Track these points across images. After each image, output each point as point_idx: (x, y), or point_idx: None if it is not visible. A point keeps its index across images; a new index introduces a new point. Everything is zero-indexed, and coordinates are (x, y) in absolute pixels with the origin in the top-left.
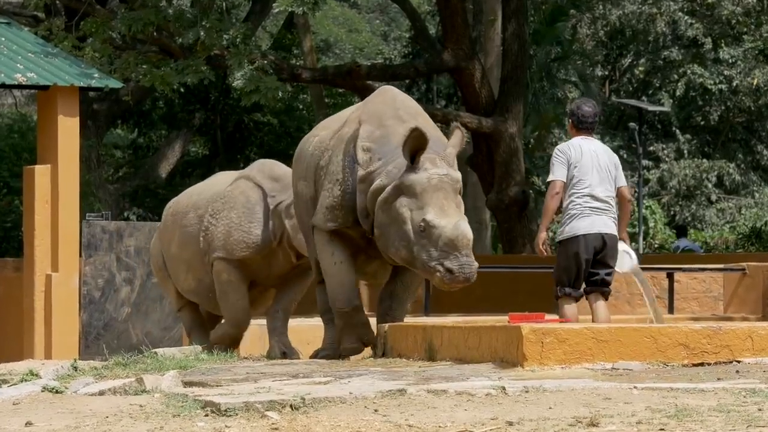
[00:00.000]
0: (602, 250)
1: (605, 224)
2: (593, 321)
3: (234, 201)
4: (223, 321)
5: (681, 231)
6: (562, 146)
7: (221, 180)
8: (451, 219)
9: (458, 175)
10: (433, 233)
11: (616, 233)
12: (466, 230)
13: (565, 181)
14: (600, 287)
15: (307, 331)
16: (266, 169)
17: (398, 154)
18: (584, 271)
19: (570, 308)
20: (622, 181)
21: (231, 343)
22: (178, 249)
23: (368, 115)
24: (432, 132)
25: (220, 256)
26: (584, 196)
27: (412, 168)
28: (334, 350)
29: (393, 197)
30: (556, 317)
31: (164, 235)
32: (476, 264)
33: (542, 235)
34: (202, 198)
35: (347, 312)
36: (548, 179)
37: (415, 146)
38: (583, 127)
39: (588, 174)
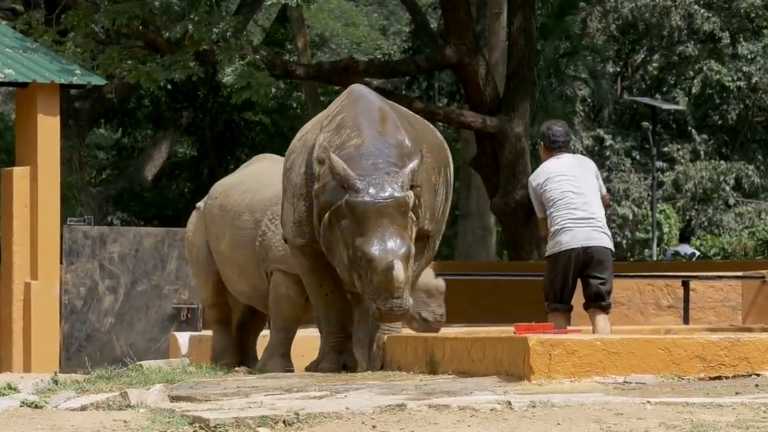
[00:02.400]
0: (588, 263)
1: (588, 237)
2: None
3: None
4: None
5: (683, 238)
6: (531, 179)
7: (278, 176)
8: (384, 258)
9: (403, 196)
10: (367, 268)
11: (602, 244)
12: (398, 274)
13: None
14: (596, 302)
15: (302, 343)
16: None
17: (354, 166)
18: (570, 285)
19: (558, 324)
20: (602, 191)
21: (283, 353)
22: (230, 250)
23: (329, 120)
24: (394, 139)
25: (280, 269)
26: (562, 210)
27: (355, 190)
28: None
29: (336, 219)
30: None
31: (211, 227)
32: (408, 304)
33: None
34: (258, 200)
35: (339, 338)
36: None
37: (338, 178)
38: (555, 146)
39: (560, 191)
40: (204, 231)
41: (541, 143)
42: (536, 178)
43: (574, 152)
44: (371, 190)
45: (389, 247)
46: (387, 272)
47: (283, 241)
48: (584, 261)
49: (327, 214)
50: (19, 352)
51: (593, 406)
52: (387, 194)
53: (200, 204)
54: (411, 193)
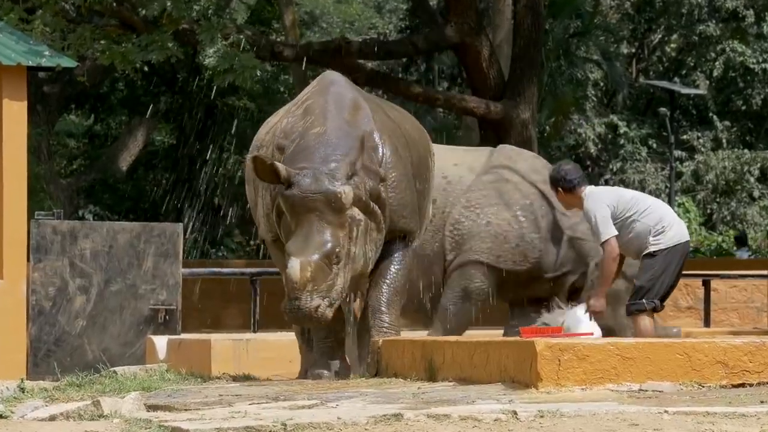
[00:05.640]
0: (684, 261)
1: (687, 232)
2: (637, 335)
3: (508, 198)
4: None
5: (740, 241)
6: (594, 198)
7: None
8: (291, 255)
9: (334, 191)
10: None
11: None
12: (291, 273)
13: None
14: (662, 301)
15: (289, 347)
16: (539, 166)
17: (308, 156)
18: (676, 281)
19: (651, 322)
20: None
21: None
22: None
23: (297, 106)
24: (361, 130)
25: (479, 260)
26: (660, 207)
27: (291, 183)
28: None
29: (279, 213)
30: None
31: None
32: (309, 307)
33: (603, 302)
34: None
35: (329, 343)
36: (602, 239)
37: (266, 173)
38: (572, 185)
39: (641, 195)
40: None
41: (558, 190)
42: (600, 197)
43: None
44: (303, 183)
45: (302, 244)
46: (286, 271)
47: (261, 241)
48: (685, 257)
49: (275, 209)
50: None
51: (606, 416)
52: (315, 187)
53: None
54: (348, 188)
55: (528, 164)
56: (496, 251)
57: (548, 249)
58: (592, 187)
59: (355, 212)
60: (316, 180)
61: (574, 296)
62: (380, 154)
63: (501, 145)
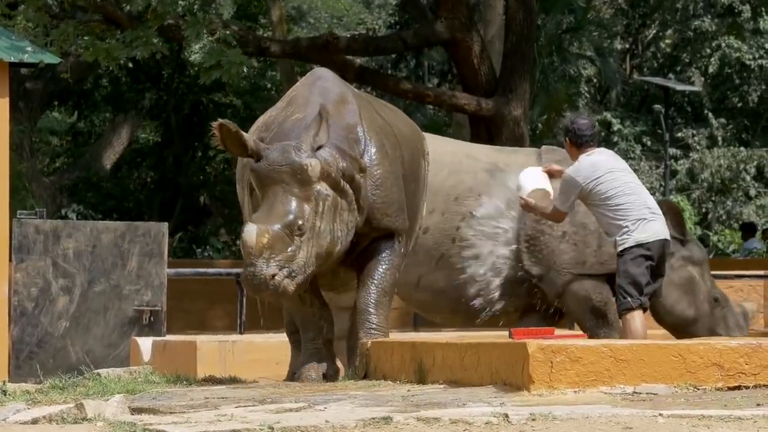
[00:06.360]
0: (662, 258)
1: (664, 230)
2: (626, 336)
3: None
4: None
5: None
6: (572, 173)
7: (500, 161)
8: (253, 221)
9: (299, 162)
10: None
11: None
12: (247, 237)
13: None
14: (650, 300)
15: (276, 348)
16: None
17: (283, 138)
18: (652, 277)
19: (641, 321)
20: None
21: None
22: (434, 243)
23: (281, 101)
24: (344, 122)
25: (572, 273)
26: (635, 200)
27: (260, 157)
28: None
29: (251, 189)
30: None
31: None
32: (265, 274)
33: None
34: (482, 182)
35: (317, 344)
36: (558, 205)
37: (232, 143)
38: (582, 141)
39: (622, 182)
40: None
41: (566, 139)
42: (580, 172)
43: (599, 145)
44: (271, 156)
45: (266, 214)
46: (242, 234)
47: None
48: (660, 255)
49: (247, 187)
50: None
51: (599, 419)
52: (282, 159)
53: None
54: (315, 161)
55: None
56: (580, 258)
57: None
58: (593, 155)
59: (323, 187)
60: (283, 153)
61: None
62: (362, 147)
63: (545, 146)
